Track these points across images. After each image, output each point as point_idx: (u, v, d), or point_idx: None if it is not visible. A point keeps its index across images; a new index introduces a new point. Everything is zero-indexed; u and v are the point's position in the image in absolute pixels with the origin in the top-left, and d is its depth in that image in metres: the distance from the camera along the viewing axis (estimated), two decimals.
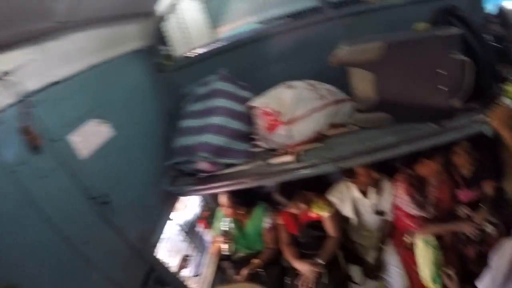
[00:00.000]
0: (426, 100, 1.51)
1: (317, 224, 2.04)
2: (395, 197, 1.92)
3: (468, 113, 1.52)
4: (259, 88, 1.89)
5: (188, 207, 2.60)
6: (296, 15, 2.16)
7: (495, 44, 1.81)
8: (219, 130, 1.74)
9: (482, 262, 1.58)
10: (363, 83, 1.56)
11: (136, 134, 1.74)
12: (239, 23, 2.56)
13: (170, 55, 2.27)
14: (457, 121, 1.51)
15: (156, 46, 2.14)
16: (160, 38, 2.20)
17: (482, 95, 1.56)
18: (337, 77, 1.68)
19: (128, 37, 1.86)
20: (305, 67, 1.91)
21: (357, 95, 1.60)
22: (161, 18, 2.13)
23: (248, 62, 2.11)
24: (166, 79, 2.13)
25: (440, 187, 1.91)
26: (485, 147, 1.82)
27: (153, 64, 2.09)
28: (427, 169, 1.81)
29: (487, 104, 1.48)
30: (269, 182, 1.88)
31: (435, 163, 1.76)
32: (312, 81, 1.76)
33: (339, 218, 2.05)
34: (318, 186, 2.10)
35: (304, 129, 1.68)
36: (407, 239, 1.96)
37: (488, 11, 2.89)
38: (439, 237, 1.94)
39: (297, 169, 1.62)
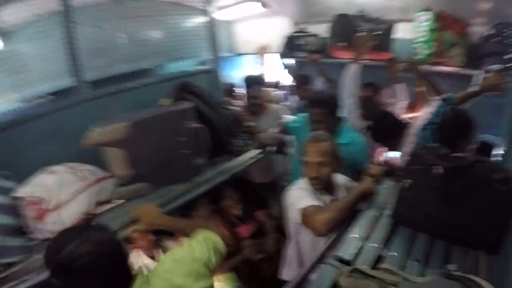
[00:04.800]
0: (175, 164, 1.78)
1: None
2: None
3: (214, 167, 1.92)
4: (22, 176, 1.68)
5: None
6: (56, 94, 2.08)
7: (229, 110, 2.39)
8: None
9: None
10: (117, 160, 1.67)
11: None
12: None
13: None
14: (205, 175, 1.89)
15: None
16: None
17: (224, 150, 2.01)
18: (97, 156, 1.73)
19: None
20: (66, 149, 1.84)
21: (114, 171, 1.68)
22: None
23: (5, 148, 1.85)
24: None
25: None
26: (243, 186, 2.29)
27: None
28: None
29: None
30: None
31: (199, 214, 2.03)
32: (71, 164, 1.73)
33: None
34: None
35: (72, 212, 1.63)
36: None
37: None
38: (235, 272, 2.21)
39: None
